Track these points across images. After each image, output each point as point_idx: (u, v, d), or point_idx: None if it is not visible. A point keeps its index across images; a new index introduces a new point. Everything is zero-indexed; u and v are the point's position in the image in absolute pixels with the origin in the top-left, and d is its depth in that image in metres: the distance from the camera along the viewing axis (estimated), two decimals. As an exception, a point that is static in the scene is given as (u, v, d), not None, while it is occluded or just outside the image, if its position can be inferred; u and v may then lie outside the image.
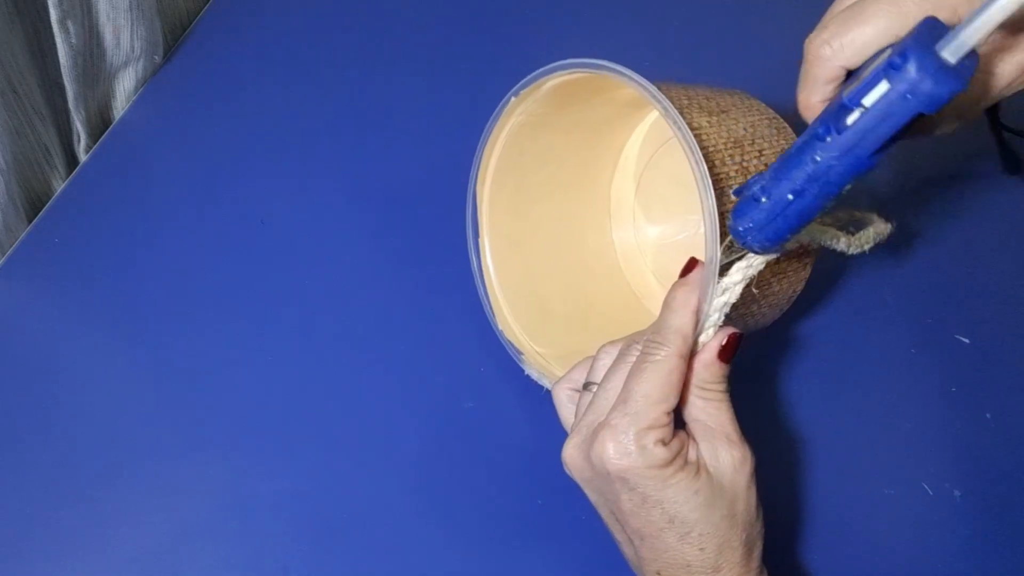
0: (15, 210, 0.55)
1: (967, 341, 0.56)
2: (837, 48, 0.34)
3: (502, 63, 0.66)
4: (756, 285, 0.41)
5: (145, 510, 0.47)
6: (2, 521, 0.47)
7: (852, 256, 0.43)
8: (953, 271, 0.58)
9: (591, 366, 0.41)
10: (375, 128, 0.62)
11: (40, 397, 0.50)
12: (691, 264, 0.40)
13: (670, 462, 0.36)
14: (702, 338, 0.39)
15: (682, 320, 0.38)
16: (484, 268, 0.52)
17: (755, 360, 0.54)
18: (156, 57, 0.62)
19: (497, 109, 0.48)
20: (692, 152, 0.37)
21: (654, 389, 0.36)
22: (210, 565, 0.46)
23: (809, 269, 0.47)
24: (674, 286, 0.39)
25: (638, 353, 0.38)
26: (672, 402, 0.37)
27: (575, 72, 0.44)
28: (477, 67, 0.66)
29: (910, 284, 0.58)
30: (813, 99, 0.36)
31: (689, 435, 0.38)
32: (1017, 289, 0.58)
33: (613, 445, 0.36)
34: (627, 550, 0.40)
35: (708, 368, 0.38)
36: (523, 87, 0.47)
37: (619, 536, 0.40)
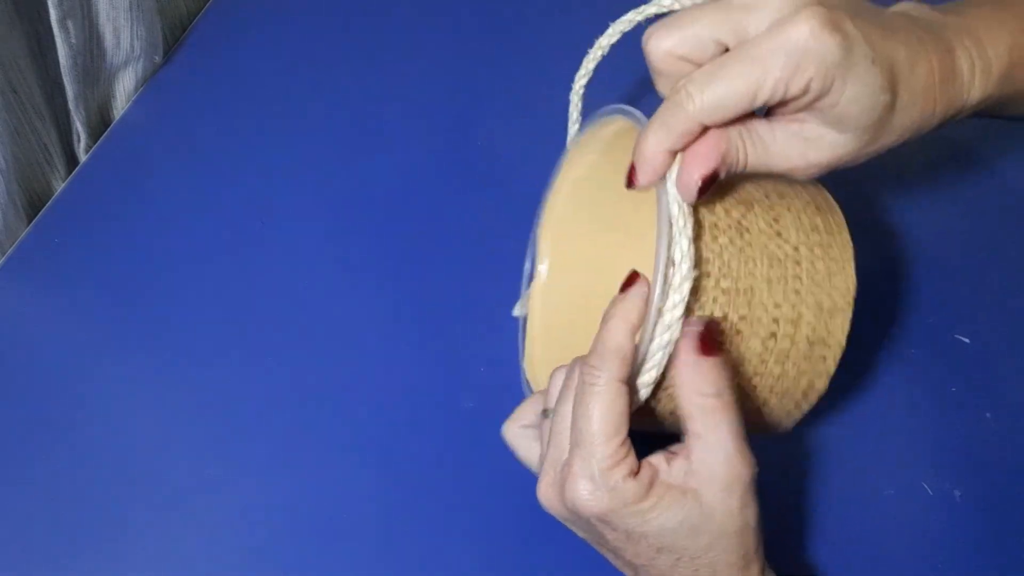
0: (15, 210, 0.55)
1: (967, 341, 0.56)
2: (700, 105, 0.34)
3: (505, 62, 0.66)
4: (749, 364, 0.38)
5: (144, 511, 0.47)
6: (1, 521, 0.47)
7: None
8: (953, 271, 0.58)
9: (548, 391, 0.39)
10: (375, 128, 0.62)
11: (40, 397, 0.50)
12: (632, 277, 0.38)
13: (645, 494, 0.34)
14: (647, 367, 0.36)
15: (618, 340, 0.35)
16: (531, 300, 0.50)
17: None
18: (156, 57, 0.62)
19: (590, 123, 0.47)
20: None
21: (602, 423, 0.34)
22: (210, 565, 0.46)
23: (832, 363, 0.41)
24: (612, 301, 0.37)
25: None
26: (624, 430, 0.35)
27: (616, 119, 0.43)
28: (479, 67, 0.66)
29: (910, 284, 0.58)
30: (660, 147, 0.35)
31: (684, 446, 0.36)
32: (1017, 289, 0.58)
33: (583, 491, 0.34)
34: (627, 572, 0.39)
35: (697, 373, 0.35)
36: (586, 127, 0.46)
37: (615, 563, 0.39)
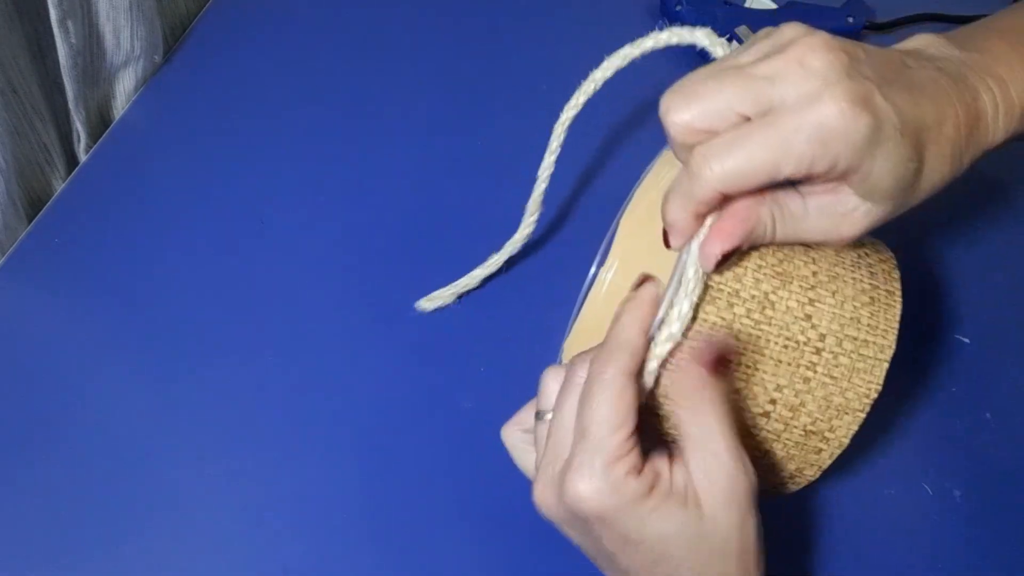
0: (15, 210, 0.55)
1: (967, 341, 0.56)
2: (720, 176, 0.33)
3: (506, 62, 0.66)
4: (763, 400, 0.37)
5: (145, 511, 0.47)
6: (1, 522, 0.47)
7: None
8: (953, 270, 0.58)
9: (539, 393, 0.39)
10: (376, 127, 0.62)
11: (40, 397, 0.50)
12: (643, 279, 0.38)
13: (647, 494, 0.33)
14: (654, 355, 0.35)
15: (629, 335, 0.35)
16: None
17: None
18: (156, 57, 0.62)
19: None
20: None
21: (609, 415, 0.33)
22: (210, 565, 0.46)
23: (827, 458, 0.39)
24: (622, 302, 0.37)
25: (583, 376, 0.35)
26: (631, 424, 0.34)
27: None
28: (480, 67, 0.66)
29: (910, 284, 0.58)
30: (684, 215, 0.35)
31: (680, 455, 0.35)
32: (1017, 289, 0.58)
33: (584, 485, 0.33)
34: None
35: (700, 388, 0.35)
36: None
37: (609, 573, 0.38)
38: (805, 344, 0.37)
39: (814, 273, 0.38)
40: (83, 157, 0.61)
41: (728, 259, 0.35)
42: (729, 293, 0.37)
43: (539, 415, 0.38)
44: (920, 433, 0.53)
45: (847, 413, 0.38)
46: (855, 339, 0.38)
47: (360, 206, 0.58)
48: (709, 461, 0.34)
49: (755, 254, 0.37)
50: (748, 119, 0.33)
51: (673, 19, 0.67)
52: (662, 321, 0.36)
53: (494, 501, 0.49)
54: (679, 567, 0.34)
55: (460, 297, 0.53)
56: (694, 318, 0.36)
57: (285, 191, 0.59)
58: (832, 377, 0.38)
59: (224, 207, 0.58)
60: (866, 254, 0.41)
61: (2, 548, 0.46)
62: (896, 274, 0.41)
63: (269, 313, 0.54)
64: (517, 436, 0.41)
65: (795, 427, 0.38)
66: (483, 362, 0.53)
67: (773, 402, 0.38)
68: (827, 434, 0.38)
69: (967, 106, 0.36)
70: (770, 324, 0.37)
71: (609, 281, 0.48)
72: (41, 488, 0.48)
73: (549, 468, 0.36)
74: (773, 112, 0.33)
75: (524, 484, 0.50)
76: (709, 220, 0.35)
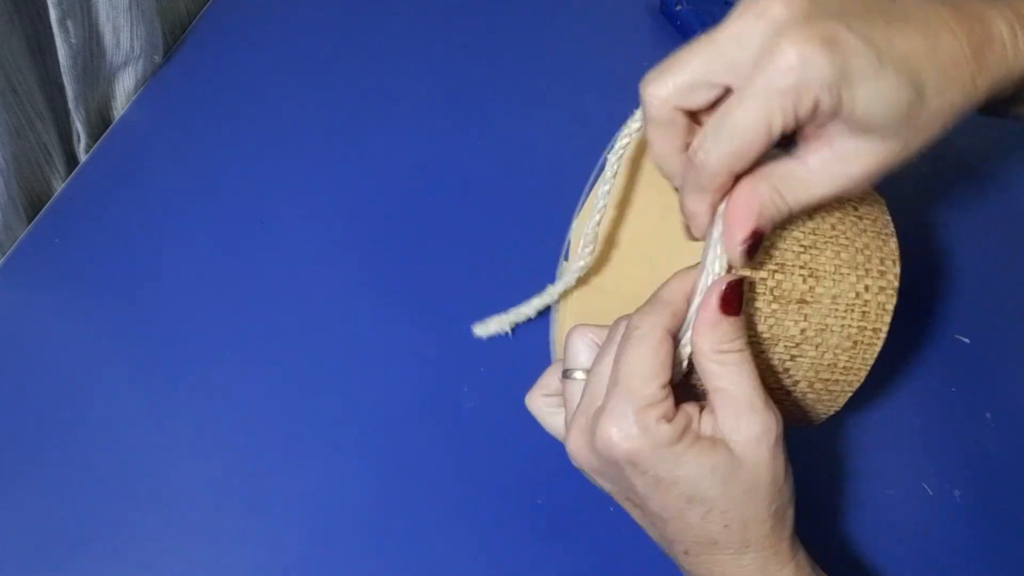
0: (15, 210, 0.55)
1: (967, 341, 0.56)
2: (721, 159, 0.34)
3: (507, 62, 0.66)
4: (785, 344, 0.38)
5: (145, 511, 0.47)
6: (2, 522, 0.47)
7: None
8: (953, 270, 0.58)
9: (566, 353, 0.39)
10: (376, 127, 0.62)
11: (40, 397, 0.50)
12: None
13: (678, 439, 0.34)
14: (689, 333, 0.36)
15: (673, 295, 0.36)
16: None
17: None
18: (156, 57, 0.62)
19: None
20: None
21: (643, 365, 0.34)
22: (210, 565, 0.46)
23: (873, 349, 0.41)
24: (673, 275, 0.38)
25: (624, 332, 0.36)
26: (665, 376, 0.35)
27: None
28: (481, 67, 0.66)
29: (910, 284, 0.58)
30: (702, 207, 0.36)
31: (709, 406, 0.36)
32: (1017, 289, 0.58)
33: (615, 429, 0.34)
34: (652, 532, 0.39)
35: (716, 328, 0.35)
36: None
37: (641, 521, 0.39)
38: (777, 390, 0.40)
39: (802, 331, 0.39)
40: (83, 157, 0.61)
41: (756, 248, 0.35)
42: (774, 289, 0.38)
43: (567, 373, 0.39)
44: (920, 433, 0.53)
45: (802, 421, 0.42)
46: (826, 380, 0.40)
47: (360, 205, 0.58)
48: (736, 405, 0.35)
49: (747, 324, 0.38)
50: (728, 88, 0.34)
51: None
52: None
53: (495, 501, 0.49)
54: (712, 506, 0.35)
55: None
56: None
57: (285, 191, 0.59)
58: (797, 406, 0.41)
59: (224, 207, 0.58)
60: (867, 288, 0.41)
61: (2, 547, 0.46)
62: (891, 305, 0.41)
63: (269, 313, 0.54)
64: (541, 401, 0.41)
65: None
66: (483, 362, 0.53)
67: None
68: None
69: (969, 28, 0.35)
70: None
71: (590, 238, 0.48)
72: (41, 488, 0.48)
73: (582, 417, 0.37)
74: (744, 82, 0.33)
75: (524, 484, 0.50)
76: (721, 207, 0.36)
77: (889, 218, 0.42)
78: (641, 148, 0.48)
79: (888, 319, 0.41)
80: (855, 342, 0.40)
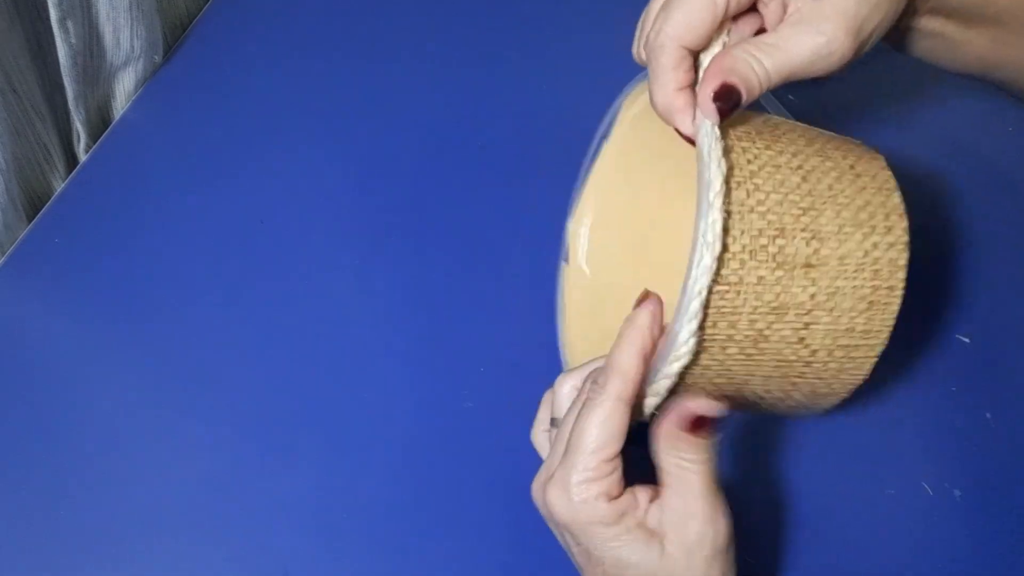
0: (15, 210, 0.55)
1: (967, 341, 0.56)
2: (668, 34, 0.35)
3: (508, 62, 0.66)
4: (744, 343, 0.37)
5: (145, 511, 0.47)
6: (1, 521, 0.47)
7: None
8: (953, 270, 0.58)
9: (554, 401, 0.40)
10: (375, 127, 0.62)
11: (40, 397, 0.50)
12: (644, 296, 0.37)
13: (615, 522, 0.34)
14: (651, 391, 0.36)
15: (625, 361, 0.35)
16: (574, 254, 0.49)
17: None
18: (156, 57, 0.62)
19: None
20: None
21: (591, 437, 0.34)
22: (210, 565, 0.46)
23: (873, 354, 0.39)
24: (625, 320, 0.37)
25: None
26: (612, 449, 0.34)
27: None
28: (481, 67, 0.66)
29: (910, 284, 0.58)
30: (667, 91, 0.36)
31: (659, 496, 0.36)
32: (1017, 289, 0.58)
33: (556, 495, 0.35)
34: None
35: (677, 440, 0.35)
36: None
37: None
38: (796, 362, 0.38)
39: (812, 296, 0.37)
40: (83, 157, 0.61)
41: (729, 109, 0.35)
42: (723, 339, 0.36)
43: (554, 422, 0.40)
44: (920, 433, 0.53)
45: (831, 395, 0.39)
46: (846, 346, 0.38)
47: (359, 205, 0.58)
48: (681, 506, 0.35)
49: (752, 294, 0.36)
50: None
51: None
52: (666, 350, 0.35)
53: (495, 501, 0.49)
54: None
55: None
56: (696, 354, 0.35)
57: (285, 190, 0.59)
58: (820, 378, 0.39)
59: (224, 206, 0.58)
60: (875, 245, 0.39)
61: (1, 548, 0.46)
62: (903, 260, 0.39)
63: (269, 312, 0.54)
64: (542, 437, 0.42)
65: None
66: (483, 362, 0.53)
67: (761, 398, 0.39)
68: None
69: None
70: (763, 355, 0.37)
71: (586, 236, 0.48)
72: (40, 487, 0.48)
73: (545, 471, 0.37)
74: None
75: (523, 484, 0.50)
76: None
77: (890, 173, 0.40)
78: (637, 139, 0.48)
79: (902, 275, 0.39)
80: (870, 303, 0.38)
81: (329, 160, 0.60)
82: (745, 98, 0.35)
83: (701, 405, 0.35)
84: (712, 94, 0.35)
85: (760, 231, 0.36)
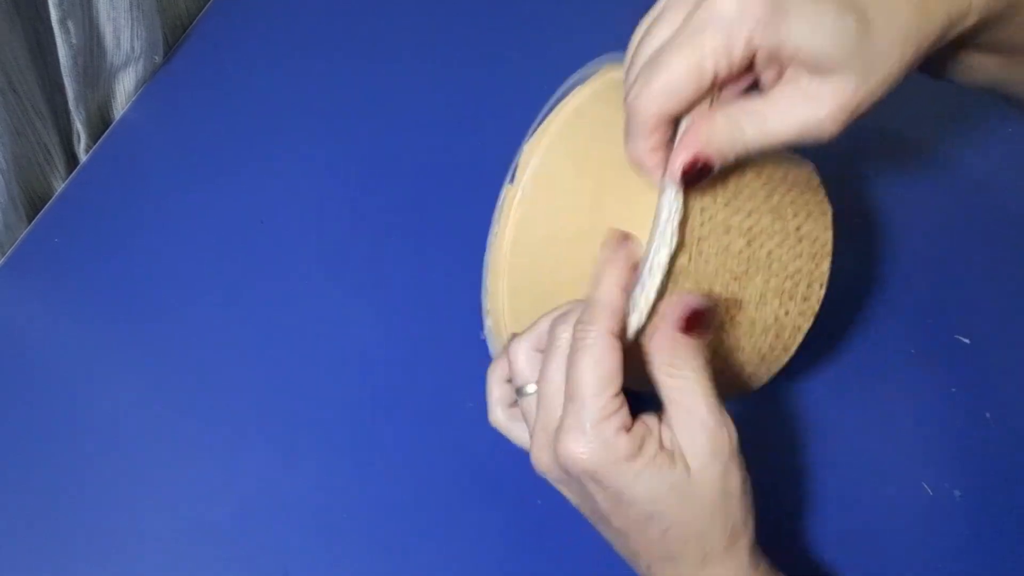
0: (15, 210, 0.55)
1: (967, 341, 0.56)
2: (648, 100, 0.34)
3: (509, 62, 0.66)
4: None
5: (145, 511, 0.47)
6: (1, 522, 0.47)
7: (852, 252, 0.42)
8: (953, 270, 0.58)
9: (512, 370, 0.39)
10: (375, 128, 0.62)
11: (40, 397, 0.50)
12: (622, 235, 0.38)
13: (637, 453, 0.34)
14: (633, 318, 0.36)
15: (609, 295, 0.35)
16: (501, 237, 0.49)
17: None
18: (156, 57, 0.62)
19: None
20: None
21: (592, 376, 0.34)
22: (210, 565, 0.46)
23: (812, 306, 0.41)
24: (600, 262, 0.37)
25: (567, 339, 0.36)
26: (616, 384, 0.34)
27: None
28: (481, 67, 0.66)
29: (910, 284, 0.58)
30: (640, 151, 0.35)
31: (665, 418, 0.36)
32: (1017, 289, 0.58)
33: (575, 444, 0.34)
34: (617, 545, 0.39)
35: (674, 348, 0.35)
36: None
37: (607, 534, 0.39)
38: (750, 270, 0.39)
39: (715, 351, 0.39)
40: (83, 157, 0.61)
41: (698, 176, 0.35)
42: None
43: (519, 391, 0.39)
44: (920, 433, 0.53)
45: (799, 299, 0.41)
46: (727, 388, 0.40)
47: (360, 205, 0.58)
48: (690, 421, 0.35)
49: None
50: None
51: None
52: (641, 281, 0.36)
53: (495, 501, 0.49)
54: (671, 524, 0.35)
55: None
56: (669, 273, 0.36)
57: (285, 190, 0.59)
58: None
59: (224, 207, 0.58)
60: (787, 312, 0.41)
61: (2, 548, 0.46)
62: (807, 326, 0.41)
63: (269, 312, 0.54)
64: (502, 416, 0.41)
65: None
66: (483, 362, 0.53)
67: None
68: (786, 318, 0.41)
69: None
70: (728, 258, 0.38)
71: (518, 221, 0.48)
72: (40, 487, 0.48)
73: (543, 433, 0.36)
74: (683, 22, 0.33)
75: (524, 484, 0.50)
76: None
77: (830, 234, 0.41)
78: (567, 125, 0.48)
79: (800, 338, 0.41)
80: (763, 357, 0.41)
81: (329, 160, 0.60)
82: (717, 169, 0.35)
83: (695, 299, 0.35)
84: (683, 167, 0.34)
85: (688, 292, 0.37)
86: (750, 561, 0.37)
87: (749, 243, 0.38)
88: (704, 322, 0.36)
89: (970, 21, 0.35)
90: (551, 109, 0.49)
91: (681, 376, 0.35)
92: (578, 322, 0.36)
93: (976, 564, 0.49)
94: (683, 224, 0.36)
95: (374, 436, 0.51)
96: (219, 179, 0.59)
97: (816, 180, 0.42)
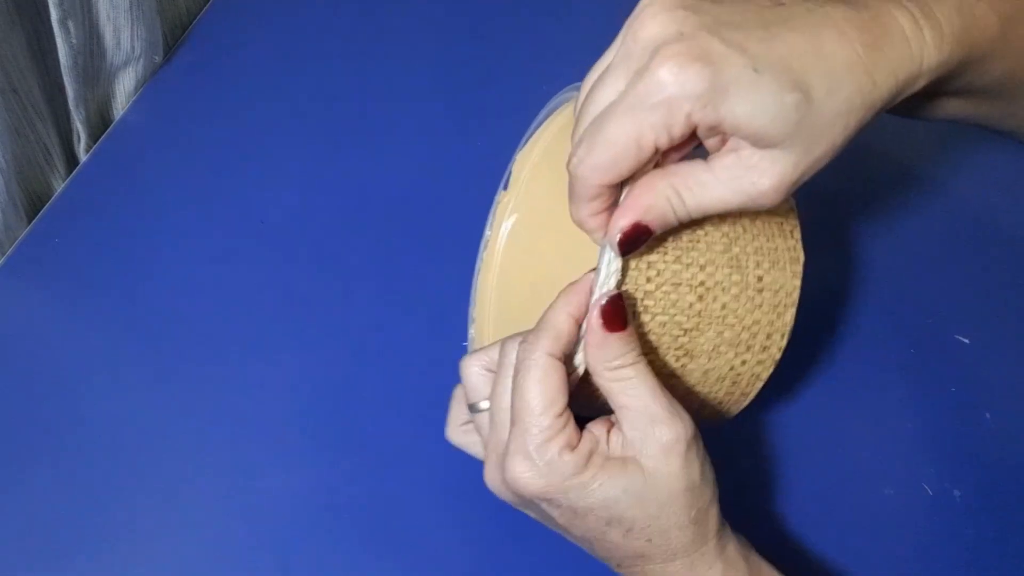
0: (15, 210, 0.55)
1: (967, 341, 0.56)
2: (590, 169, 0.33)
3: (508, 62, 0.66)
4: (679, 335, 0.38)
5: (145, 511, 0.47)
6: (2, 522, 0.47)
7: (852, 252, 0.42)
8: (953, 271, 0.59)
9: (466, 388, 0.39)
10: (375, 128, 0.62)
11: (40, 397, 0.50)
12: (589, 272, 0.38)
13: (584, 467, 0.34)
14: (582, 345, 0.36)
15: (555, 318, 0.36)
16: (492, 248, 0.49)
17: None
18: (156, 57, 0.62)
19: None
20: None
21: (535, 397, 0.34)
22: (210, 565, 0.46)
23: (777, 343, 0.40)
24: (561, 291, 0.37)
25: (514, 359, 0.36)
26: (560, 403, 0.35)
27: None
28: (481, 68, 0.66)
29: (910, 284, 0.58)
30: (582, 214, 0.35)
31: (615, 422, 0.36)
32: (1017, 289, 0.58)
33: (519, 468, 0.34)
34: (587, 550, 0.39)
35: (604, 347, 0.35)
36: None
37: (574, 542, 0.39)
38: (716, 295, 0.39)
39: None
40: (83, 157, 0.61)
41: (636, 243, 0.35)
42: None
43: (472, 408, 0.39)
44: (920, 433, 0.53)
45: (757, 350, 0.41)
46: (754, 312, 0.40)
47: (359, 205, 0.58)
48: (638, 420, 0.35)
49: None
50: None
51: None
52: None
53: (496, 501, 0.49)
54: (632, 525, 0.35)
55: None
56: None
57: (285, 190, 0.59)
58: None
59: (224, 207, 0.58)
60: (744, 363, 0.40)
61: (2, 548, 0.46)
62: (766, 375, 0.41)
63: (268, 313, 0.54)
64: (459, 432, 0.42)
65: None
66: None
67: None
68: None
69: (862, 24, 0.33)
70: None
71: (508, 232, 0.49)
72: (40, 487, 0.48)
73: (492, 454, 0.37)
74: (621, 94, 0.33)
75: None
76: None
77: (798, 282, 0.41)
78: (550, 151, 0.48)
79: (760, 386, 0.41)
80: (720, 402, 0.41)
81: (329, 160, 0.60)
82: (656, 234, 0.35)
83: (603, 296, 0.35)
84: (621, 234, 0.34)
85: (633, 346, 0.37)
86: (716, 548, 0.37)
87: (701, 297, 0.38)
88: (620, 310, 0.35)
89: (920, 84, 0.35)
90: (544, 119, 0.49)
91: (624, 376, 0.35)
92: (522, 342, 0.36)
93: (976, 564, 0.49)
94: (621, 284, 0.36)
95: (374, 436, 0.51)
96: (219, 179, 0.59)
97: (791, 223, 0.41)
